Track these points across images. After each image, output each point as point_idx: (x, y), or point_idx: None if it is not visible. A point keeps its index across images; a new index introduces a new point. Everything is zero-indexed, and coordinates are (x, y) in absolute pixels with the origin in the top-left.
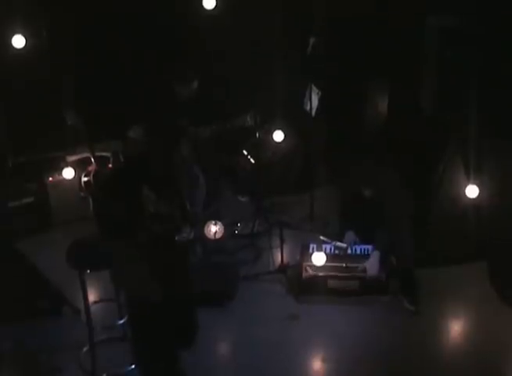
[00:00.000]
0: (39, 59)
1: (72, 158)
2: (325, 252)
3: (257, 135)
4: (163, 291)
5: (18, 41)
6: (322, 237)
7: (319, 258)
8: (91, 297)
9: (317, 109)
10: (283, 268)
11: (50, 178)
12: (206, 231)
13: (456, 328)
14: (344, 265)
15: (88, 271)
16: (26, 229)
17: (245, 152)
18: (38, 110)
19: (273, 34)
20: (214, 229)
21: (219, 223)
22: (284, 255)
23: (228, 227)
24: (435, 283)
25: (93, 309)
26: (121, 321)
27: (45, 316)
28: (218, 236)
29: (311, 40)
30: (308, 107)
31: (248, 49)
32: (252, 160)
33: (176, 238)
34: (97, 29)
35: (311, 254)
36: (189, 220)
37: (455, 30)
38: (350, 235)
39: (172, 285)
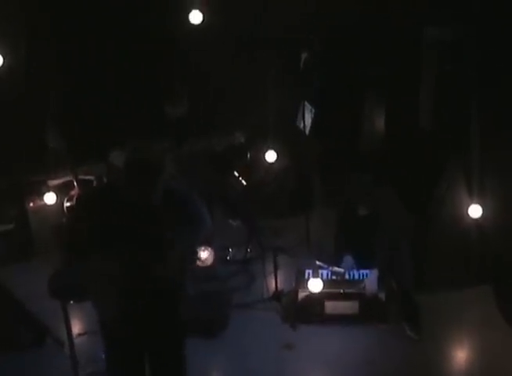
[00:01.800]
0: (17, 79)
1: (54, 182)
2: (321, 278)
3: (248, 155)
4: (144, 324)
5: None
6: (318, 262)
7: (315, 285)
8: (76, 329)
9: (311, 127)
10: (277, 295)
11: (31, 204)
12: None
13: (460, 355)
14: (341, 291)
15: (71, 302)
16: (5, 258)
17: (236, 173)
18: (17, 132)
19: (264, 49)
20: (204, 255)
21: (209, 249)
22: (278, 282)
23: (219, 253)
24: (437, 307)
25: (78, 341)
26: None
27: (26, 348)
28: (209, 262)
29: (303, 55)
30: (301, 125)
31: (238, 65)
32: (244, 182)
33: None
34: (81, 48)
35: (307, 280)
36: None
37: (455, 44)
38: (348, 259)
39: (155, 318)
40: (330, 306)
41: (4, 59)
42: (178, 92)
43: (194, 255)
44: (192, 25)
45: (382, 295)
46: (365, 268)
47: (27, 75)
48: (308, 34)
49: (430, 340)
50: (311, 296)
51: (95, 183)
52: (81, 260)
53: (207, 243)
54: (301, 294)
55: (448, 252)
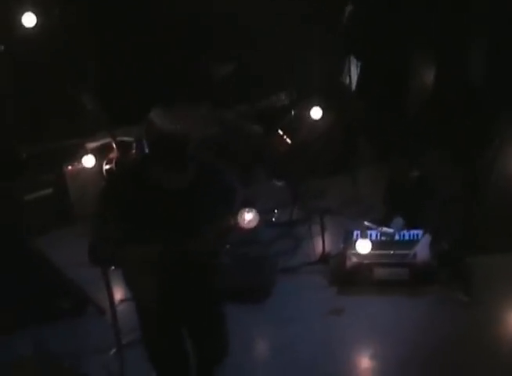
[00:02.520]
0: (51, 39)
1: (92, 145)
2: (370, 239)
3: (293, 112)
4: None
5: (29, 20)
6: (366, 223)
7: (363, 246)
8: (117, 295)
9: (357, 82)
10: (324, 258)
11: (69, 168)
12: (239, 220)
13: None
14: (391, 252)
15: (113, 267)
16: (44, 224)
17: (280, 132)
18: (53, 93)
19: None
20: (248, 217)
21: (253, 211)
22: (326, 244)
23: (263, 215)
24: (490, 271)
25: (120, 308)
26: None
27: (67, 317)
28: (253, 224)
29: (348, 8)
30: (347, 80)
31: (281, 22)
32: (288, 141)
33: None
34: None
35: (356, 241)
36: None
37: None
38: (398, 220)
39: (189, 291)
40: (380, 272)
41: (38, 18)
42: (225, 57)
43: (232, 226)
44: None
45: (434, 262)
46: (415, 228)
47: (61, 35)
48: None
49: (483, 304)
50: (360, 260)
51: (134, 146)
52: (114, 232)
53: (251, 204)
54: (350, 258)
55: (501, 213)
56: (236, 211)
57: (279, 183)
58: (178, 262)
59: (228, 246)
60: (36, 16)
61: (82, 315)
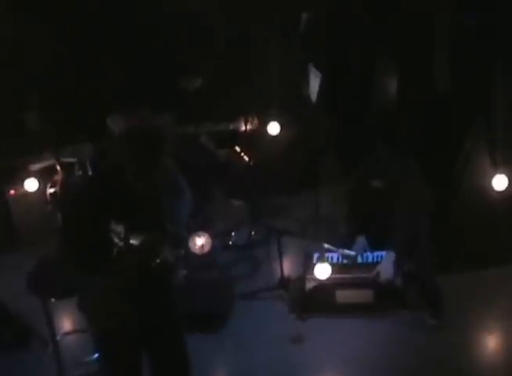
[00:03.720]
0: None
1: (35, 166)
2: (331, 262)
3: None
4: (138, 322)
5: None
6: (326, 245)
7: (322, 270)
8: (64, 326)
9: (318, 93)
10: (283, 283)
11: (11, 191)
12: (191, 245)
13: (487, 344)
14: (353, 276)
15: (53, 299)
16: None
17: (237, 148)
18: None
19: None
20: (200, 241)
21: (205, 235)
22: (285, 268)
23: (220, 237)
24: (460, 290)
25: (66, 340)
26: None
27: (8, 349)
28: (206, 249)
29: (304, 15)
30: (307, 92)
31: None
32: (246, 158)
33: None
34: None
35: (315, 265)
36: (170, 243)
37: None
38: (361, 241)
39: (150, 314)
40: (342, 295)
41: None
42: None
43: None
44: None
45: (399, 281)
46: (379, 249)
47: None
48: None
49: (453, 328)
50: (320, 284)
51: (76, 167)
52: (69, 253)
53: (202, 228)
54: (309, 282)
55: (472, 229)
56: (187, 210)
57: (237, 203)
58: (145, 275)
59: (184, 271)
60: None
61: (25, 347)
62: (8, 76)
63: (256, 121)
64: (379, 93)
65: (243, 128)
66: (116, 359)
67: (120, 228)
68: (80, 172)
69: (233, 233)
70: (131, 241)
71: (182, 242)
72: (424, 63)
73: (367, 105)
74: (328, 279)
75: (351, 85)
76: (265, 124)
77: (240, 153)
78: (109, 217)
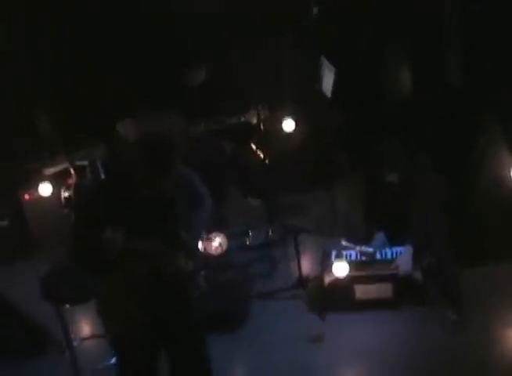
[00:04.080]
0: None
1: (49, 170)
2: (349, 259)
3: (262, 126)
4: (154, 328)
5: None
6: (344, 242)
7: (340, 268)
8: (82, 332)
9: (332, 86)
10: (301, 282)
11: (26, 196)
12: (206, 246)
13: (507, 340)
14: (372, 273)
15: (67, 305)
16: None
17: (253, 146)
18: (7, 115)
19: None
20: (215, 243)
21: (221, 235)
22: (303, 266)
23: (237, 237)
24: (481, 285)
25: (84, 346)
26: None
27: (26, 356)
28: (222, 250)
29: (314, 10)
30: (321, 86)
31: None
32: (262, 155)
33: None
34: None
35: (334, 262)
36: (183, 252)
37: None
38: (379, 237)
39: (166, 321)
40: (361, 290)
41: None
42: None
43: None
44: None
45: (418, 275)
46: (398, 245)
47: (13, 56)
48: None
49: (474, 323)
50: (339, 280)
51: (88, 170)
52: (78, 256)
53: (218, 228)
54: (328, 279)
55: (491, 221)
56: (207, 218)
57: (255, 202)
58: (157, 282)
59: (202, 271)
60: None
61: (42, 354)
62: (21, 80)
63: (268, 113)
64: (391, 87)
65: (255, 120)
66: (131, 365)
67: (121, 233)
68: (92, 176)
69: (250, 233)
70: (137, 247)
71: (195, 251)
72: (436, 57)
73: (379, 99)
74: (346, 276)
75: (363, 80)
76: (279, 121)
77: (256, 150)
78: (115, 222)
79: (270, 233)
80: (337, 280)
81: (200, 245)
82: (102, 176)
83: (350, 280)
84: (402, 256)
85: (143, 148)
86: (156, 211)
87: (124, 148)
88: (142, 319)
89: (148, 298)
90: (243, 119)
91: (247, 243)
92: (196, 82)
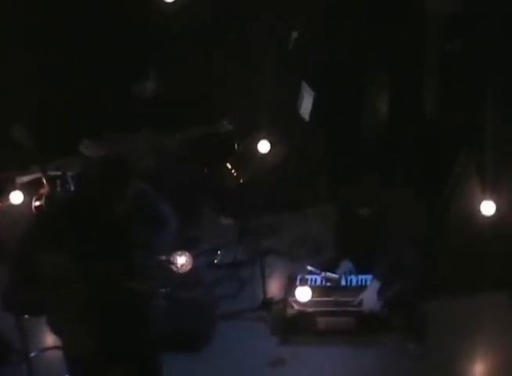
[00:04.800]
0: None
1: (22, 179)
2: (314, 285)
3: (236, 145)
4: (107, 346)
5: None
6: (309, 267)
7: (303, 293)
8: (43, 343)
9: (311, 112)
10: (266, 304)
11: None
12: (173, 264)
13: (469, 372)
14: (335, 299)
15: (26, 316)
16: None
17: (228, 165)
18: None
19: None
20: (180, 260)
21: (186, 254)
22: (270, 289)
23: (206, 255)
24: (446, 317)
25: (46, 357)
26: None
27: None
28: (186, 268)
29: (294, 34)
30: (300, 110)
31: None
32: (236, 175)
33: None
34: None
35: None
36: (140, 273)
37: (461, 17)
38: (346, 264)
39: (118, 342)
40: (323, 322)
41: None
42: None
43: (166, 262)
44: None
45: (383, 310)
46: (365, 273)
47: None
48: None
49: (437, 356)
50: (302, 308)
51: (58, 182)
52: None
53: (186, 246)
54: (291, 305)
55: (460, 254)
56: (169, 240)
57: (226, 221)
58: (110, 302)
59: (167, 289)
60: None
61: (3, 363)
62: None
63: (239, 127)
64: (369, 118)
65: (226, 134)
66: None
67: (72, 255)
68: (61, 188)
69: (219, 252)
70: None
71: (154, 271)
72: (414, 88)
73: (358, 129)
74: (310, 301)
75: (342, 107)
76: (254, 141)
77: (231, 170)
78: (66, 241)
79: (239, 253)
80: (300, 307)
81: (168, 262)
82: (71, 190)
83: (313, 311)
84: (367, 292)
85: (97, 169)
86: (113, 231)
87: (86, 168)
88: (93, 339)
89: (100, 318)
90: (217, 125)
91: (215, 261)
92: (147, 94)
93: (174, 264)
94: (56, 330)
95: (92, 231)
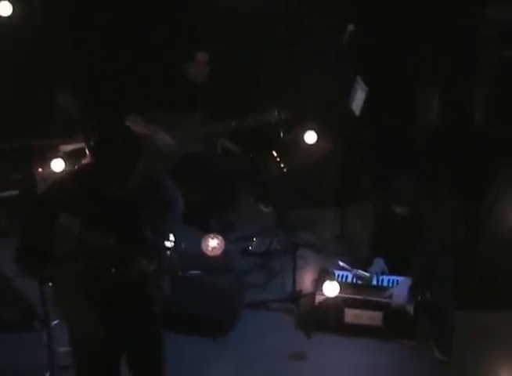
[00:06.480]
0: (28, 30)
1: (67, 148)
2: (344, 281)
3: (282, 134)
4: (109, 331)
5: (4, 8)
6: (341, 263)
7: (330, 288)
8: None
9: (362, 107)
10: (294, 296)
11: (40, 170)
12: (203, 246)
13: None
14: (364, 297)
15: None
16: (9, 227)
17: (275, 153)
18: (28, 90)
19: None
20: (212, 243)
21: (219, 237)
22: (300, 281)
23: (241, 242)
24: (475, 328)
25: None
26: None
27: (15, 330)
28: (217, 252)
29: (349, 27)
30: (351, 104)
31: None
32: (282, 164)
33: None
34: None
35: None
36: (146, 252)
37: None
38: (378, 262)
39: (123, 324)
40: (350, 314)
41: (14, 7)
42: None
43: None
44: None
45: (410, 308)
46: (397, 274)
47: (39, 28)
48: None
49: (461, 366)
50: (330, 301)
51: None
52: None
53: (222, 230)
54: (319, 299)
55: (494, 266)
56: (175, 220)
57: (266, 209)
58: (117, 281)
59: (199, 272)
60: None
61: (30, 329)
62: (46, 58)
63: (289, 117)
64: (420, 117)
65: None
66: (89, 364)
67: (76, 221)
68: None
69: (255, 240)
70: (93, 241)
71: (160, 251)
72: (466, 96)
73: (407, 126)
74: (338, 297)
75: (394, 104)
76: (301, 131)
77: (277, 158)
78: (73, 212)
79: (274, 242)
80: (328, 300)
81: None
82: None
83: (340, 303)
84: (398, 287)
85: (97, 148)
86: (119, 207)
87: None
88: (97, 319)
89: (103, 298)
90: (268, 115)
91: (250, 248)
92: (200, 77)
93: (206, 247)
94: (62, 312)
95: (99, 204)
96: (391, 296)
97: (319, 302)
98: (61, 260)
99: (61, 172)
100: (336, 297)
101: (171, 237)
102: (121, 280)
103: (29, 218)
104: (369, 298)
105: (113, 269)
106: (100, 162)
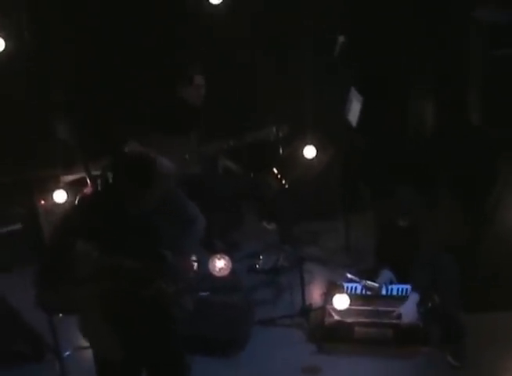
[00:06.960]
0: (21, 63)
1: (67, 178)
2: (353, 293)
3: (281, 150)
4: (131, 352)
5: None
6: (349, 275)
7: (340, 301)
8: (80, 342)
9: (358, 118)
10: (304, 311)
11: (42, 202)
12: (210, 267)
13: None
14: (374, 308)
15: (60, 314)
16: (12, 262)
17: (275, 170)
18: (27, 123)
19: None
20: (219, 264)
21: (226, 258)
22: (310, 296)
23: (248, 260)
24: (486, 331)
25: (81, 355)
26: None
27: (24, 361)
28: (225, 272)
29: (340, 39)
30: (348, 115)
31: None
32: (283, 180)
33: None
34: (89, 28)
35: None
36: (165, 272)
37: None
38: (386, 273)
39: (144, 344)
40: (361, 332)
41: (6, 42)
42: (191, 72)
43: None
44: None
45: (421, 323)
46: (405, 282)
47: (34, 61)
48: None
49: (475, 370)
50: (340, 316)
51: (98, 181)
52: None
53: (227, 250)
54: (329, 313)
55: (501, 267)
56: (195, 240)
57: (270, 226)
58: (137, 303)
59: (206, 293)
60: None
61: (41, 361)
62: (42, 87)
63: (287, 132)
64: (414, 122)
65: (273, 140)
66: None
67: (95, 245)
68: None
69: (261, 257)
70: (114, 263)
71: (179, 272)
72: (459, 98)
73: (402, 134)
74: (348, 310)
75: (388, 112)
76: (300, 146)
77: (278, 174)
78: (93, 235)
79: (280, 258)
80: (338, 315)
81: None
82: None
83: (350, 320)
84: (406, 304)
85: (117, 170)
86: (138, 228)
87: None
88: (117, 340)
89: (125, 318)
90: (266, 132)
91: (257, 266)
92: (197, 99)
93: (213, 267)
94: (85, 333)
95: (119, 227)
96: (400, 315)
97: (329, 317)
98: (81, 283)
99: (64, 203)
100: (346, 310)
101: (193, 257)
102: (141, 301)
103: (48, 245)
104: (380, 315)
105: (133, 291)
106: (117, 186)
